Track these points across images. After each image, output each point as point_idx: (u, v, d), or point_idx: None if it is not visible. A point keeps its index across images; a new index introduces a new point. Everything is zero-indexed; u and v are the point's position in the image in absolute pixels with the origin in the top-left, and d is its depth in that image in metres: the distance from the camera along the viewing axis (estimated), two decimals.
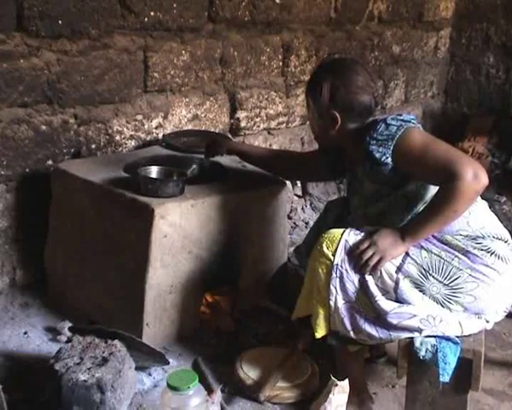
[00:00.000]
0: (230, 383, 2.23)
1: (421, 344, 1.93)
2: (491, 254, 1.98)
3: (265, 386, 2.16)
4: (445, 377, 1.90)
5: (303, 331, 2.26)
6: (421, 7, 4.58)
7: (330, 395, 1.92)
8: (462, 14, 4.92)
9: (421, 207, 2.05)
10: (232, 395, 2.20)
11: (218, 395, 2.08)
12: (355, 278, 1.97)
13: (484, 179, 1.89)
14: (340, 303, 1.97)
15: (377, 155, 2.02)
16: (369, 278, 1.96)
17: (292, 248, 3.02)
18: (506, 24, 4.75)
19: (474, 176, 1.87)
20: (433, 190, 2.03)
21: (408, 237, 1.97)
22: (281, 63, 3.68)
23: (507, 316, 2.08)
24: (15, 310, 2.65)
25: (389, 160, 2.02)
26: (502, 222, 2.15)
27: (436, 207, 1.95)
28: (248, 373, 2.23)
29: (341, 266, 1.97)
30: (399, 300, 1.95)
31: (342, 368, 2.12)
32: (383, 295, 1.96)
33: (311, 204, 3.97)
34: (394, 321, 1.93)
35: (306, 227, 3.66)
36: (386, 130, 2.03)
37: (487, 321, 2.01)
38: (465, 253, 1.97)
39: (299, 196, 3.97)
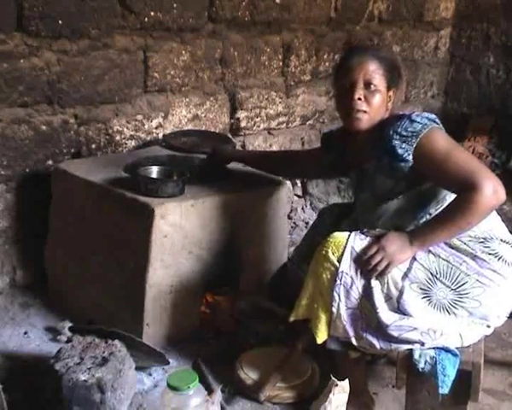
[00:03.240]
0: (230, 383, 2.23)
1: (420, 356, 1.91)
2: (499, 258, 1.96)
3: (265, 386, 2.16)
4: (445, 389, 1.89)
5: (303, 331, 2.25)
6: (421, 7, 4.58)
7: (330, 395, 1.92)
8: (462, 14, 4.92)
9: (433, 206, 2.03)
10: (232, 395, 2.20)
11: (218, 395, 2.08)
12: (359, 284, 1.94)
13: (502, 196, 1.87)
14: (343, 310, 1.94)
15: (399, 151, 1.98)
16: (374, 284, 1.93)
17: (292, 248, 3.02)
18: (506, 24, 4.75)
19: (494, 191, 1.85)
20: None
21: (416, 242, 1.94)
22: (281, 63, 3.68)
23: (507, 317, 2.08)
24: (15, 310, 2.65)
25: (410, 157, 1.98)
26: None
27: (450, 216, 1.92)
28: (248, 373, 2.23)
29: (346, 273, 1.94)
30: (401, 310, 1.92)
31: (343, 371, 2.09)
32: (386, 301, 1.93)
33: (311, 204, 3.97)
34: (395, 333, 1.91)
35: (306, 227, 3.65)
36: (410, 126, 1.99)
37: (488, 326, 2.00)
38: (473, 257, 1.95)
39: (299, 196, 3.97)
